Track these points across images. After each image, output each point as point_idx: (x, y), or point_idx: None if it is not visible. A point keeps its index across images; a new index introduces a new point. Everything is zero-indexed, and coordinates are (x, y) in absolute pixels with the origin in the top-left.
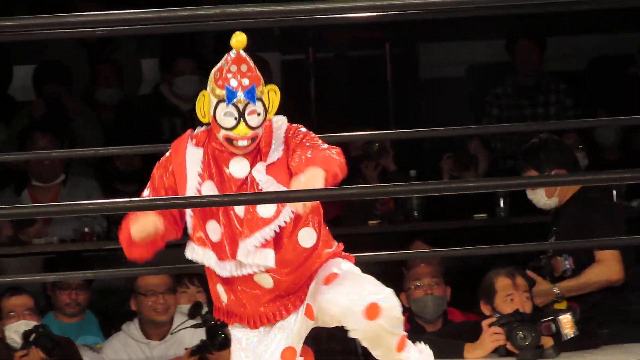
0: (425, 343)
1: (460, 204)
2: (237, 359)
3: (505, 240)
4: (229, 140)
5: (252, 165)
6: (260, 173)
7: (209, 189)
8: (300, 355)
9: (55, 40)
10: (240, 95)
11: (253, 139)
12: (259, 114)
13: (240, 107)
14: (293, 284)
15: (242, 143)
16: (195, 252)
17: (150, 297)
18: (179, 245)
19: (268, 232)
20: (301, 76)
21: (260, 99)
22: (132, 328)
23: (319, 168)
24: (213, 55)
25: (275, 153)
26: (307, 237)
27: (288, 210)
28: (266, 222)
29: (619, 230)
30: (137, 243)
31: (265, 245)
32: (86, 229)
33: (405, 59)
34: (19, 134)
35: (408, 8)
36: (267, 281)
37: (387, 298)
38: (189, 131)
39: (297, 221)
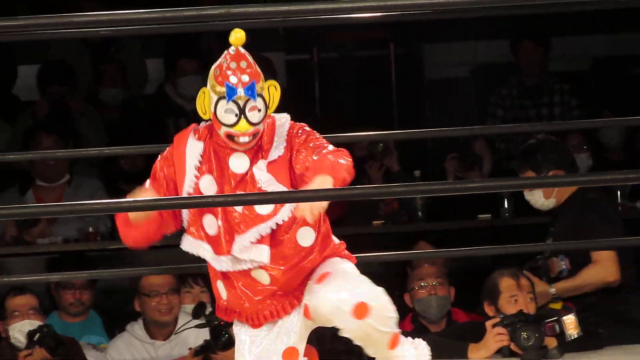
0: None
1: (465, 205)
2: (240, 358)
3: (510, 240)
4: (230, 136)
5: (252, 161)
6: (261, 171)
7: (208, 183)
8: (304, 356)
9: (59, 40)
10: (241, 91)
11: (254, 135)
12: (259, 110)
13: (241, 103)
14: (290, 282)
15: (244, 139)
16: (190, 244)
17: (154, 297)
18: None
19: (264, 228)
20: (305, 76)
21: (261, 95)
22: (137, 328)
23: (327, 176)
24: (217, 55)
25: (277, 151)
26: (305, 235)
27: (287, 210)
28: (263, 218)
29: (617, 231)
30: (133, 225)
31: (260, 241)
32: (90, 229)
33: (410, 59)
34: (24, 134)
35: (412, 8)
36: (264, 278)
37: (376, 297)
38: (193, 125)
39: (296, 219)
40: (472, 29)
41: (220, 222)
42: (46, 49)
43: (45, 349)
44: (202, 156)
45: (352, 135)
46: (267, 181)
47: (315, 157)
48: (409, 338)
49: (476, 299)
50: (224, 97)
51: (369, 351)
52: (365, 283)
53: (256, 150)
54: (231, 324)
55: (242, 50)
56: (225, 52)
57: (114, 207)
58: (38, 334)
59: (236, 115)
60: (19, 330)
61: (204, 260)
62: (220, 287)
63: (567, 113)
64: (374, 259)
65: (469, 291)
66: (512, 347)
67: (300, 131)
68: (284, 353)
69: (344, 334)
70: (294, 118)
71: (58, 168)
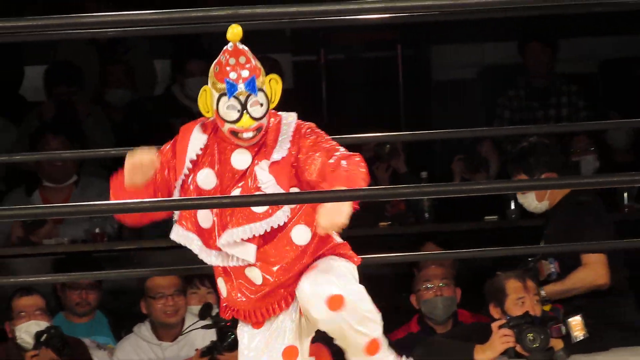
0: (434, 345)
1: (471, 206)
2: (242, 358)
3: (516, 242)
4: (234, 133)
5: (255, 157)
6: (263, 171)
7: (206, 176)
8: (311, 355)
9: (67, 40)
10: (241, 87)
11: (258, 130)
12: (261, 105)
13: (242, 99)
14: (285, 280)
15: (247, 135)
16: (179, 235)
17: (160, 299)
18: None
19: (257, 228)
20: (312, 77)
21: (262, 89)
22: (144, 329)
23: (344, 188)
24: None
25: (281, 151)
26: (301, 234)
27: (283, 214)
28: (258, 217)
29: (608, 234)
30: (127, 190)
31: (250, 239)
32: (97, 230)
33: (417, 60)
34: (31, 135)
35: (420, 9)
36: (257, 276)
37: (354, 292)
38: (202, 118)
39: (292, 217)
40: (480, 31)
41: (214, 216)
42: (53, 50)
43: (51, 350)
44: (203, 149)
45: (359, 137)
46: (267, 182)
47: (331, 161)
48: (400, 358)
49: (483, 300)
50: (225, 94)
51: (348, 353)
52: (347, 278)
53: (259, 147)
54: (237, 325)
55: (240, 46)
56: (224, 48)
57: (121, 208)
58: (45, 335)
59: (238, 111)
60: (26, 331)
61: None
62: (221, 284)
63: (574, 115)
64: (380, 261)
65: (475, 292)
66: (518, 348)
67: (308, 131)
68: (284, 352)
69: (319, 326)
70: (301, 119)
71: (65, 169)
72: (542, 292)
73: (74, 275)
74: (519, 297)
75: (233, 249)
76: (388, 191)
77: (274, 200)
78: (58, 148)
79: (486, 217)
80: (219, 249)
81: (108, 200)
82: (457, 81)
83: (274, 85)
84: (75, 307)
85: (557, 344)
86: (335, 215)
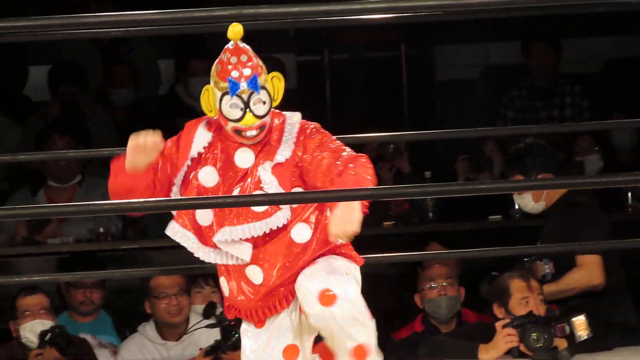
0: (438, 344)
1: (475, 206)
2: (243, 358)
3: (520, 242)
4: (238, 131)
5: (258, 156)
6: (266, 171)
7: (208, 174)
8: (315, 352)
9: (70, 40)
10: (244, 85)
11: (261, 128)
12: (264, 102)
13: (245, 97)
14: (285, 278)
15: (251, 133)
16: (175, 232)
17: (163, 299)
18: None
19: (257, 228)
20: (316, 77)
21: (264, 87)
22: (148, 329)
23: None
24: None
25: (285, 152)
26: (301, 232)
27: (283, 216)
28: (258, 216)
29: (604, 235)
30: (127, 173)
31: (247, 239)
32: (101, 229)
33: (421, 60)
34: (37, 135)
35: (423, 9)
36: (257, 274)
37: (349, 293)
38: (207, 116)
39: (293, 217)
40: (483, 31)
41: (213, 215)
42: (57, 50)
43: (56, 349)
44: (206, 147)
45: (363, 136)
46: (270, 183)
47: (338, 163)
48: None
49: (487, 299)
50: (227, 93)
51: (336, 356)
52: (344, 277)
53: (263, 146)
54: (241, 324)
55: (241, 44)
56: (225, 47)
57: (126, 207)
58: (49, 334)
59: (241, 109)
60: (30, 330)
61: None
62: (223, 284)
63: (578, 115)
64: (384, 260)
65: (479, 292)
66: (522, 348)
67: (314, 131)
68: (284, 351)
69: (310, 320)
70: (305, 119)
71: (70, 169)
72: None
73: (78, 274)
74: (524, 297)
75: (229, 246)
76: (392, 191)
77: (276, 200)
78: (64, 148)
79: (490, 217)
80: (216, 247)
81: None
82: (461, 81)
83: (276, 83)
84: (79, 306)
85: (561, 343)
86: (347, 223)
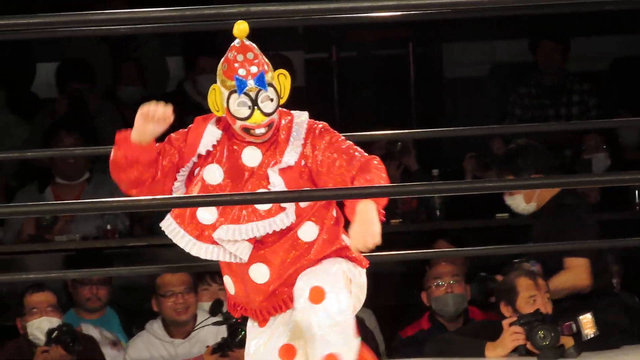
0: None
1: (483, 204)
2: (247, 355)
3: (527, 240)
4: (246, 129)
5: (266, 154)
6: (274, 173)
7: (214, 172)
8: None
9: (78, 38)
10: (251, 83)
11: (269, 125)
12: (272, 100)
13: (252, 95)
14: (288, 277)
15: (260, 131)
16: (170, 227)
17: (170, 297)
18: None
19: (259, 228)
20: (324, 75)
21: (271, 85)
22: (156, 327)
23: (370, 202)
24: None
25: (293, 154)
26: (308, 230)
27: (286, 217)
28: (259, 216)
29: (592, 237)
30: (131, 144)
31: (249, 239)
32: (108, 227)
33: (429, 58)
34: (45, 132)
35: (432, 7)
36: (261, 273)
37: (340, 298)
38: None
39: (301, 216)
40: (491, 29)
41: (218, 214)
42: (65, 47)
43: (62, 347)
44: (214, 146)
45: (371, 134)
46: (278, 186)
47: (352, 172)
48: None
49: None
50: (235, 91)
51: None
52: (340, 284)
53: (270, 145)
54: (247, 321)
55: (247, 42)
56: (231, 45)
57: (133, 204)
58: (56, 332)
59: (249, 107)
60: (37, 327)
61: None
62: (228, 282)
63: (585, 113)
64: (391, 258)
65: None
66: (529, 346)
67: (322, 129)
68: (280, 350)
69: (296, 316)
70: (313, 116)
71: (78, 166)
72: None
73: (85, 271)
74: (531, 295)
75: (229, 244)
76: (399, 189)
77: (282, 198)
78: (71, 145)
79: (497, 215)
80: (215, 243)
81: (120, 197)
82: (469, 79)
83: (282, 80)
84: (85, 302)
85: (568, 341)
86: (368, 237)
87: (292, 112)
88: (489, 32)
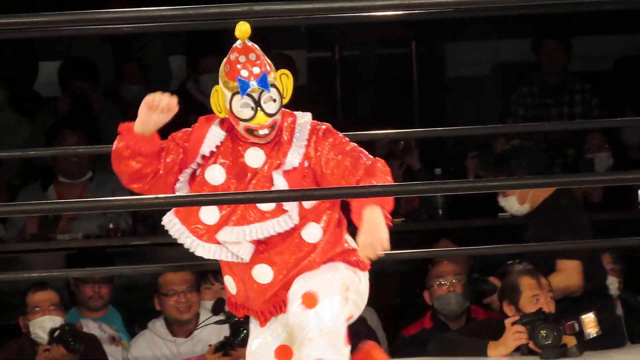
0: (447, 341)
1: (485, 203)
2: (247, 354)
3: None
4: (250, 130)
5: (269, 155)
6: (279, 176)
7: (217, 172)
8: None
9: (81, 36)
10: (254, 84)
11: (273, 126)
12: (274, 100)
13: (255, 96)
14: (290, 277)
15: (263, 132)
16: (173, 226)
17: (172, 296)
18: None
19: (262, 229)
20: (327, 74)
21: (274, 85)
22: (158, 326)
23: (375, 206)
24: None
25: (296, 155)
26: (311, 232)
27: (289, 219)
28: (261, 218)
29: (585, 238)
30: (134, 134)
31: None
32: (111, 225)
33: (431, 57)
34: (47, 131)
35: (434, 7)
36: (264, 273)
37: (333, 304)
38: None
39: (304, 218)
40: (494, 28)
41: (220, 215)
42: (68, 46)
43: (63, 347)
44: (218, 147)
45: (373, 133)
46: (282, 187)
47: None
48: None
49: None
50: (237, 92)
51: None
52: (335, 292)
53: (273, 146)
54: (249, 320)
55: (249, 43)
56: (233, 46)
57: (136, 203)
58: (58, 331)
59: (252, 108)
60: (40, 326)
61: None
62: (229, 282)
63: (588, 112)
64: (394, 257)
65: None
66: (531, 345)
67: (325, 130)
68: (276, 351)
69: (289, 319)
70: (316, 116)
71: (81, 165)
72: None
73: (87, 270)
74: (534, 295)
75: (232, 245)
76: (402, 188)
77: (285, 197)
78: (75, 144)
79: (500, 214)
80: (217, 242)
81: (122, 196)
82: (471, 78)
83: (285, 81)
84: (88, 301)
85: (570, 340)
86: (377, 245)
87: (295, 112)
88: (492, 32)
